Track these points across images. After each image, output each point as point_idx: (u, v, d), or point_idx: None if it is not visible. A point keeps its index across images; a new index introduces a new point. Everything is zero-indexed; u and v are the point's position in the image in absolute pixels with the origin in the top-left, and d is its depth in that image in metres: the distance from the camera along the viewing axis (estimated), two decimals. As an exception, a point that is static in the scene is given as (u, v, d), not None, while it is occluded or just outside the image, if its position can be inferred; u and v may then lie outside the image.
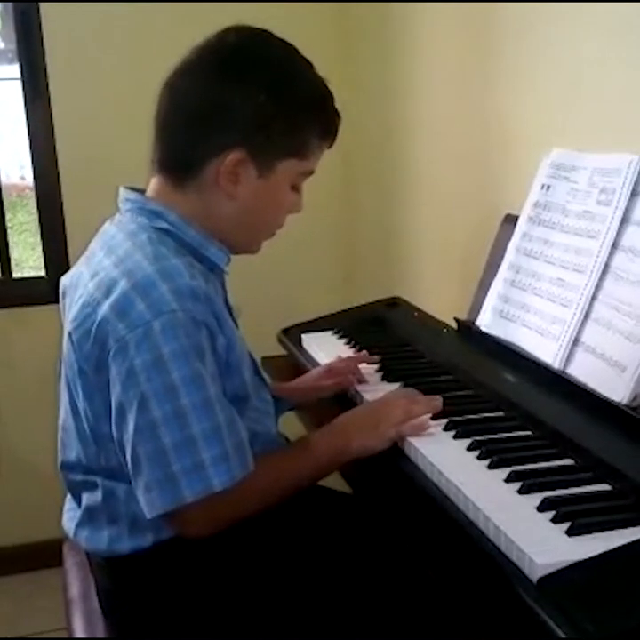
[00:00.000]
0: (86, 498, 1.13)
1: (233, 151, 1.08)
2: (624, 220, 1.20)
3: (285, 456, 1.14)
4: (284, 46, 1.14)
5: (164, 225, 1.10)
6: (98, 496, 1.10)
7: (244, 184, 1.11)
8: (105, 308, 1.02)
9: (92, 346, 1.03)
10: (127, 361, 0.99)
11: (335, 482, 1.21)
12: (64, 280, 1.21)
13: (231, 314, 1.16)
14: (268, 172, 1.11)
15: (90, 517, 1.12)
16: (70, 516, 1.18)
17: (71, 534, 1.17)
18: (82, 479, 1.13)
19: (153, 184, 1.15)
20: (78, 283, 1.13)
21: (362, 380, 1.35)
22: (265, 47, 1.13)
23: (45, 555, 1.96)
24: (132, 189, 1.16)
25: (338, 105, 1.16)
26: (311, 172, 1.17)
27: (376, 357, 1.42)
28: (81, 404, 1.08)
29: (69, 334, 1.08)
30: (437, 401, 1.16)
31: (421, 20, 1.94)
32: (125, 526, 1.09)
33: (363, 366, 1.39)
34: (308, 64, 1.15)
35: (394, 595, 1.12)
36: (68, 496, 1.20)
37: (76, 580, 1.32)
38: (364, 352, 1.46)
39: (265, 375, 1.25)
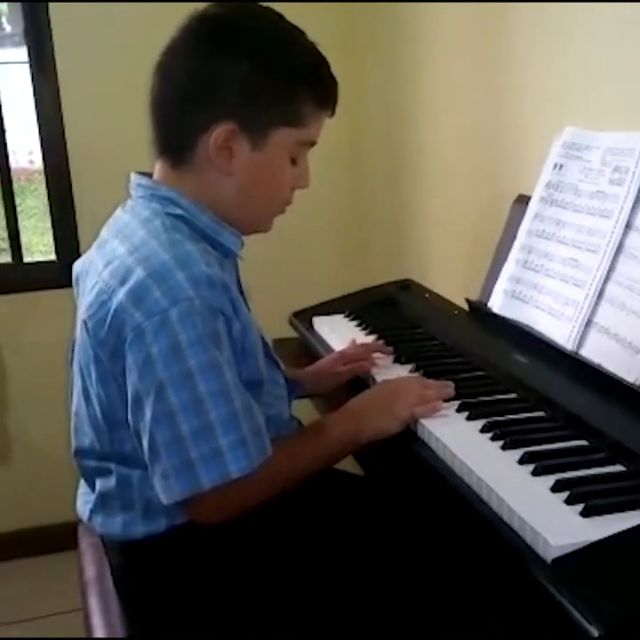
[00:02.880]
0: (100, 484, 1.13)
1: (221, 124, 1.06)
2: (637, 200, 1.18)
3: (300, 441, 1.14)
4: (268, 13, 1.11)
5: (178, 211, 1.09)
6: (111, 482, 1.10)
7: (239, 158, 1.09)
8: (121, 295, 1.01)
9: (108, 333, 1.03)
10: (144, 349, 0.99)
11: (347, 464, 1.21)
12: (76, 266, 1.21)
13: (245, 298, 1.15)
14: (262, 143, 1.08)
15: (104, 503, 1.13)
16: (84, 501, 1.18)
17: (85, 518, 1.17)
18: (95, 465, 1.13)
19: (157, 168, 1.14)
20: (90, 270, 1.12)
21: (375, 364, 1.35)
22: (247, 16, 1.10)
23: (61, 537, 1.98)
24: (142, 174, 1.15)
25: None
26: (312, 143, 1.14)
27: (389, 349, 1.40)
28: (94, 390, 1.08)
29: (84, 322, 1.07)
30: (450, 388, 1.16)
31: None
32: (139, 511, 1.09)
33: (376, 355, 1.38)
34: (296, 30, 1.11)
35: (406, 576, 1.12)
36: (82, 480, 1.20)
37: (91, 562, 1.33)
38: (382, 342, 1.43)
39: (277, 358, 1.25)
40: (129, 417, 1.03)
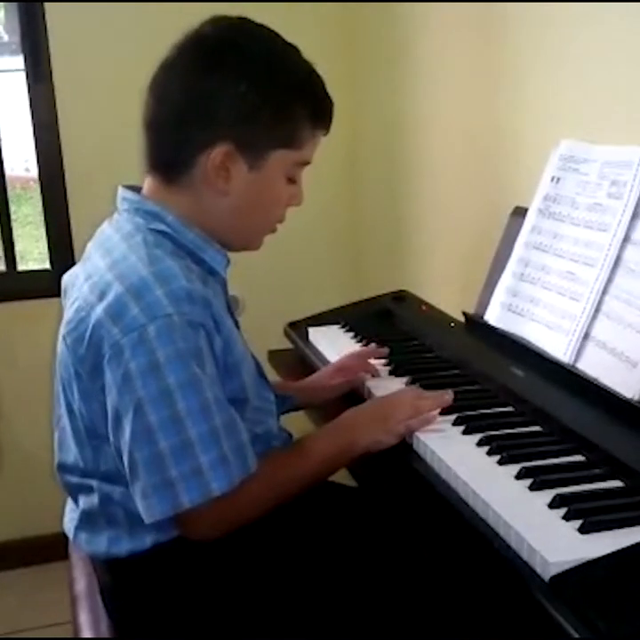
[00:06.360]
0: (83, 501, 1.11)
1: (219, 145, 1.06)
2: (635, 213, 1.18)
3: (287, 456, 1.12)
4: (264, 33, 1.11)
5: (162, 227, 1.08)
6: (94, 500, 1.09)
7: (236, 179, 1.08)
8: (99, 311, 1.00)
9: (87, 350, 1.02)
10: (122, 366, 0.98)
11: (341, 476, 1.20)
12: (65, 278, 1.20)
13: (232, 315, 1.14)
14: (259, 164, 1.08)
15: (88, 520, 1.11)
16: (70, 518, 1.16)
17: (71, 536, 1.15)
18: (78, 482, 1.11)
19: (147, 183, 1.13)
20: (74, 284, 1.11)
21: (374, 375, 1.34)
22: (243, 35, 1.10)
23: (50, 548, 1.96)
24: (130, 188, 1.14)
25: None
26: (307, 163, 1.14)
27: (385, 350, 1.41)
28: (77, 405, 1.07)
29: (64, 337, 1.07)
30: (448, 395, 1.15)
31: (430, 13, 1.92)
32: (124, 528, 1.07)
33: (371, 361, 1.38)
34: (292, 49, 1.11)
35: (400, 591, 1.11)
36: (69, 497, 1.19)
37: (82, 575, 1.31)
38: (372, 345, 1.45)
39: (267, 375, 1.23)
40: (110, 435, 1.02)
